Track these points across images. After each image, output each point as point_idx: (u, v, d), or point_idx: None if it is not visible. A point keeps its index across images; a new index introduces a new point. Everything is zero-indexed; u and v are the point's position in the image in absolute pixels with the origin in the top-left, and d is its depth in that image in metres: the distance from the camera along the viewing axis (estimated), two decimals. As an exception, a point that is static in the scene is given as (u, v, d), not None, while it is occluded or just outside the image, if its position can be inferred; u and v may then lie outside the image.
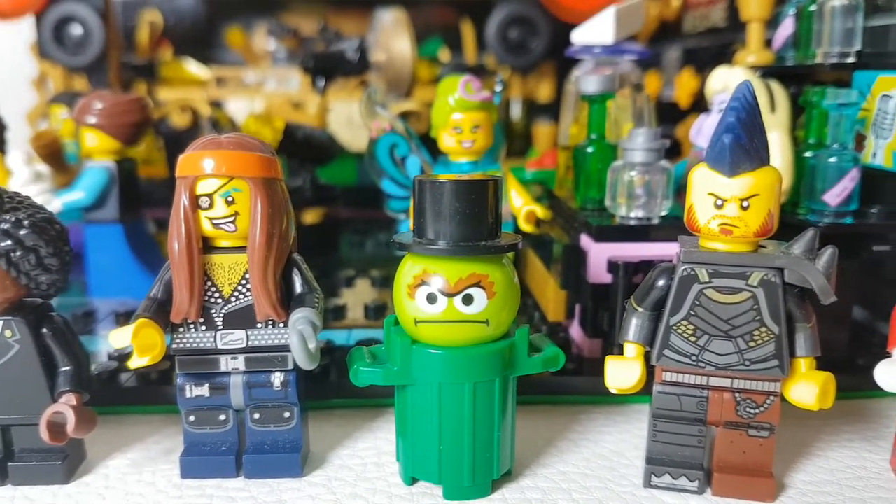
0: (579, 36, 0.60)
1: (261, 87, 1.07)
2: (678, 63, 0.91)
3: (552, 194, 0.67)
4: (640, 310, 0.41)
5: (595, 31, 0.59)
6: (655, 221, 0.53)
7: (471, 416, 0.39)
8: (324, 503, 0.40)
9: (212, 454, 0.42)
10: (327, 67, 0.82)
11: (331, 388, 0.50)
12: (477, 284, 0.37)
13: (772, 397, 0.39)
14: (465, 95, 0.57)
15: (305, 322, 0.38)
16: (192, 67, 1.09)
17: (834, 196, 0.53)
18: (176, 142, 1.00)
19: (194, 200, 0.39)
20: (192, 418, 0.42)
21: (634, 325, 0.41)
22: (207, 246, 0.40)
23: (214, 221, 0.39)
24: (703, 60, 0.83)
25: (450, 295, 0.37)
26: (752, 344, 0.38)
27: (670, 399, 0.40)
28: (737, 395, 0.40)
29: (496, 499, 0.40)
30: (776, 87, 0.54)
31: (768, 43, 0.65)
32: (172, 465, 0.43)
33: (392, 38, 0.81)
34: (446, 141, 0.59)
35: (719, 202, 0.37)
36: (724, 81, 0.55)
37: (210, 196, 0.39)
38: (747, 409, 0.40)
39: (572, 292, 0.57)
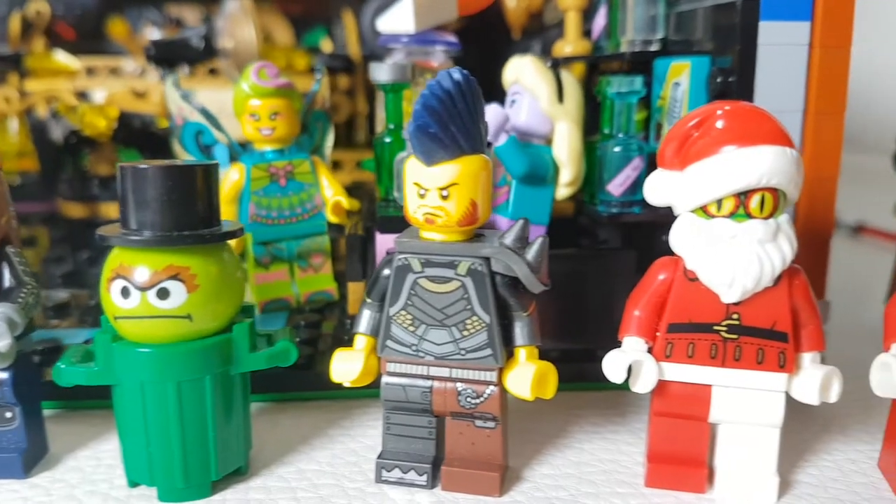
0: (383, 24, 0.59)
1: (133, 78, 1.04)
2: (539, 55, 0.90)
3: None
4: (369, 301, 0.40)
5: (396, 20, 0.57)
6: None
7: (178, 416, 0.37)
8: (35, 505, 0.38)
9: (-63, 453, 0.40)
10: (171, 56, 0.80)
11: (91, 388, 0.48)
12: (175, 277, 0.36)
13: (491, 387, 0.39)
14: (257, 81, 0.56)
15: (0, 319, 0.37)
16: (61, 57, 1.06)
17: (617, 186, 0.52)
18: (41, 134, 0.98)
19: None
20: (-86, 416, 0.40)
21: (365, 317, 0.40)
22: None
23: (-86, 214, 0.38)
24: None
25: (142, 289, 0.36)
26: (465, 333, 0.38)
27: (396, 390, 0.40)
28: (458, 384, 0.39)
29: (216, 500, 0.39)
30: (567, 77, 0.53)
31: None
32: None
33: (237, 26, 0.79)
34: (246, 128, 0.57)
35: (422, 191, 0.36)
36: (514, 72, 0.54)
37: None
38: (468, 399, 0.39)
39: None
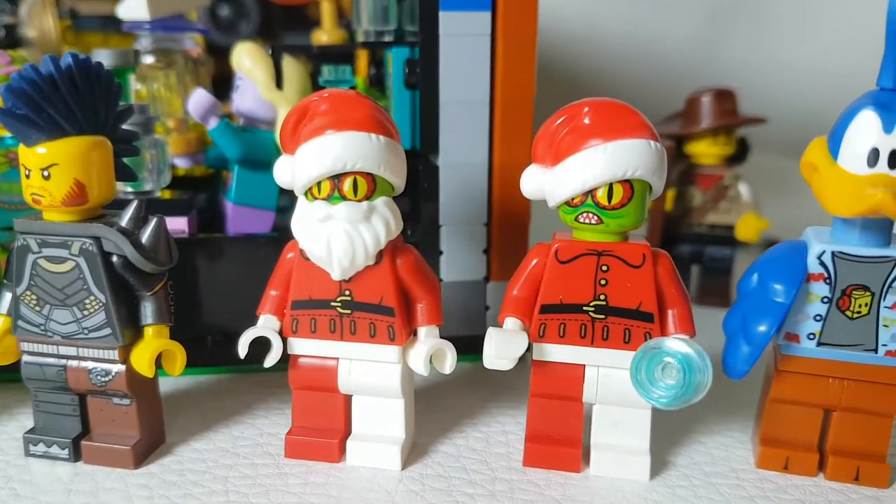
0: (122, 11, 0.59)
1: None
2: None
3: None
4: (6, 282, 0.41)
5: (131, 7, 0.58)
6: (157, 195, 0.53)
7: None
8: None
9: None
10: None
11: None
12: None
13: (118, 365, 0.40)
14: (-13, 69, 0.56)
15: None
16: None
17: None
18: None
19: None
20: None
21: (5, 298, 0.41)
22: None
23: None
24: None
25: None
26: (86, 312, 0.39)
27: (34, 369, 0.41)
28: (88, 363, 0.40)
29: None
30: (288, 64, 0.55)
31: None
32: None
33: (37, 16, 0.79)
34: (-16, 116, 0.57)
35: (28, 172, 0.37)
36: (235, 59, 0.55)
37: None
38: (98, 378, 0.40)
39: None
